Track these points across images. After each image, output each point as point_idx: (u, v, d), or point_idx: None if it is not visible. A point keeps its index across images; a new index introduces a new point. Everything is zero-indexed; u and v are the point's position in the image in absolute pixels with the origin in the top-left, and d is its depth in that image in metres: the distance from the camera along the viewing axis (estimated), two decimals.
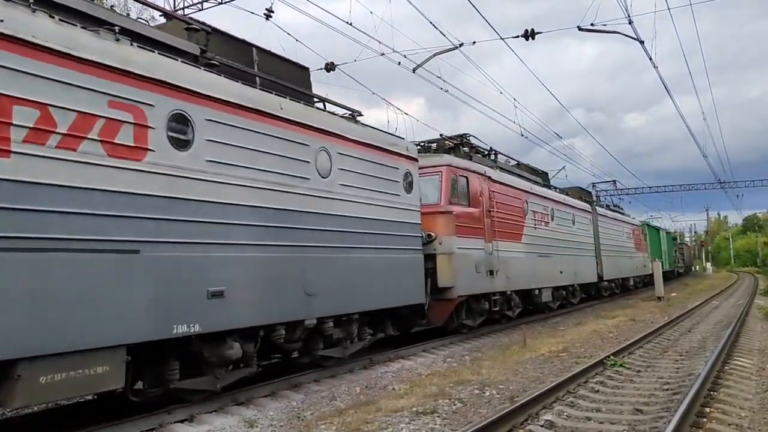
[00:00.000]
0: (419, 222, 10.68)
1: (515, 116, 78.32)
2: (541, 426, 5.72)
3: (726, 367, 8.44)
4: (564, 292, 18.82)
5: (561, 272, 17.97)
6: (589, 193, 27.46)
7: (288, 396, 7.65)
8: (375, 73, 22.39)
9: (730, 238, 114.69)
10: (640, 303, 22.16)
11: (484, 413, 6.18)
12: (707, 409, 6.10)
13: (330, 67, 15.31)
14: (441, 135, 14.34)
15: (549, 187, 20.04)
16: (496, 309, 13.67)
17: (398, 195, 10.08)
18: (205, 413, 6.71)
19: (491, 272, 13.28)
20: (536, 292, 16.28)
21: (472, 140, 15.17)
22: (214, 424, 6.43)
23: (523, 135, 22.36)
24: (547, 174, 20.51)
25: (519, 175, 16.98)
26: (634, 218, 34.27)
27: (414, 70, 15.31)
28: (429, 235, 11.36)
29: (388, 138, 10.30)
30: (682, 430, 5.31)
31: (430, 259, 11.29)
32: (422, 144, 13.84)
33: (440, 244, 11.62)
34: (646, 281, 33.80)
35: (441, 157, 12.78)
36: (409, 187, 10.47)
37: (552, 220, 17.88)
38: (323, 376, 8.71)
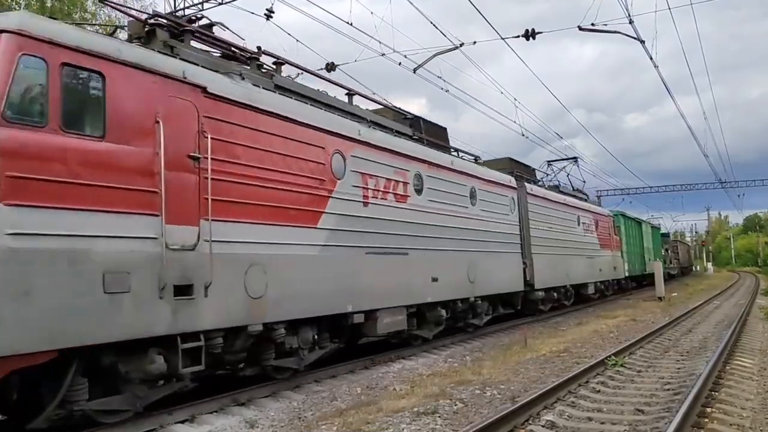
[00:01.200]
0: None
1: (516, 116, 78.42)
2: (543, 426, 5.72)
3: (727, 367, 8.44)
4: (445, 312, 11.53)
5: (435, 279, 10.88)
6: (531, 168, 19.20)
7: (289, 396, 7.66)
8: (375, 73, 22.35)
9: (731, 238, 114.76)
10: (641, 303, 22.15)
11: (486, 413, 6.18)
12: (708, 410, 6.10)
13: (330, 67, 15.30)
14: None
15: (445, 147, 13.03)
16: (195, 369, 6.31)
17: None
18: (206, 414, 6.72)
19: (183, 290, 6.16)
20: (357, 317, 8.88)
21: (220, 33, 8.32)
22: (215, 424, 6.43)
23: (523, 135, 22.40)
24: (444, 130, 13.35)
25: (324, 104, 9.16)
26: (598, 204, 27.11)
27: (414, 71, 15.31)
28: None
29: None
30: (684, 430, 5.31)
31: None
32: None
33: None
34: (621, 286, 27.97)
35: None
36: None
37: (418, 193, 10.73)
38: (324, 377, 8.71)
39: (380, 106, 12.08)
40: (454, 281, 11.68)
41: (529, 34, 14.40)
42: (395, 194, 10.10)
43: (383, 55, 15.16)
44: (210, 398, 6.98)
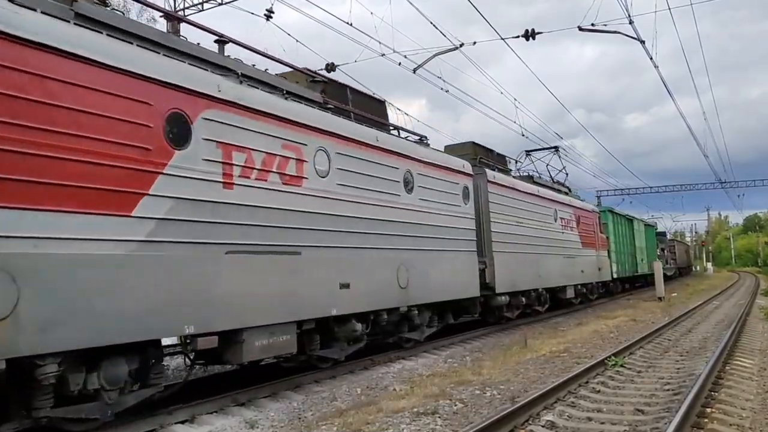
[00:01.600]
0: None
1: (516, 116, 78.48)
2: (542, 426, 5.72)
3: (727, 368, 8.43)
4: (363, 326, 9.05)
5: (345, 286, 8.45)
6: (499, 155, 16.35)
7: (289, 397, 7.66)
8: (375, 73, 22.41)
9: (731, 238, 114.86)
10: (641, 303, 22.16)
11: (485, 414, 6.18)
12: (708, 410, 6.09)
13: (331, 67, 15.33)
14: None
15: (382, 123, 10.61)
16: None
17: None
18: (206, 414, 6.72)
19: None
20: (205, 341, 6.37)
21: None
22: (215, 425, 6.43)
23: (523, 135, 22.46)
24: (382, 103, 11.13)
25: (166, 47, 6.55)
26: (582, 198, 24.23)
27: (414, 71, 15.34)
28: None
29: None
30: (683, 430, 5.31)
31: None
32: None
33: None
34: (609, 289, 25.67)
35: None
36: None
37: (322, 174, 8.23)
38: (324, 377, 8.71)
39: (290, 69, 9.40)
40: (375, 287, 9.18)
41: (529, 35, 14.43)
42: (282, 175, 7.56)
43: (383, 55, 15.21)
44: (210, 398, 6.97)
